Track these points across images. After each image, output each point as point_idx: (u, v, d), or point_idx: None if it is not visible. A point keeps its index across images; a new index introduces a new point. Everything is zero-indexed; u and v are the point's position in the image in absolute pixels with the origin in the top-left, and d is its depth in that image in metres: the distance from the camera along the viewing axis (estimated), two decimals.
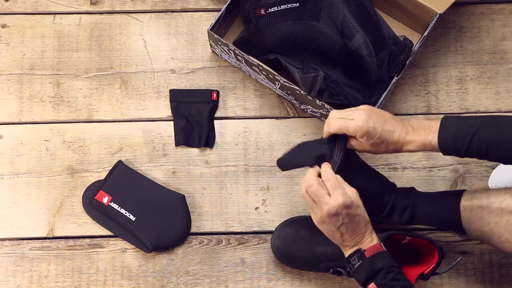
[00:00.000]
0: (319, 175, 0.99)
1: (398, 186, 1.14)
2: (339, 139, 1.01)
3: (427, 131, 0.98)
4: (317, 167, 1.00)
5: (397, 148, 1.00)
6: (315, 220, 0.99)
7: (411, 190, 1.13)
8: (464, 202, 1.02)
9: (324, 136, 1.03)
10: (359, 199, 0.97)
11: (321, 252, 1.12)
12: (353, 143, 1.01)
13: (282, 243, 1.15)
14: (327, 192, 0.96)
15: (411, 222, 1.11)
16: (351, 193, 0.97)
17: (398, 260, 1.07)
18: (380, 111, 1.01)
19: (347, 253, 0.99)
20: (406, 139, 0.98)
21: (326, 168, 0.98)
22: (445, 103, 1.29)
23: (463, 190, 1.05)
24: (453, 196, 1.05)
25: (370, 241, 0.97)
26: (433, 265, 1.03)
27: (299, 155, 1.03)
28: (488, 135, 0.94)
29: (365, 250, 0.96)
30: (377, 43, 1.17)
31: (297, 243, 1.14)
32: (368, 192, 1.06)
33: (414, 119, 1.02)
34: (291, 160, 1.05)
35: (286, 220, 1.19)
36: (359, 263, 0.96)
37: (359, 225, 0.97)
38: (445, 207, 1.05)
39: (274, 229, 1.18)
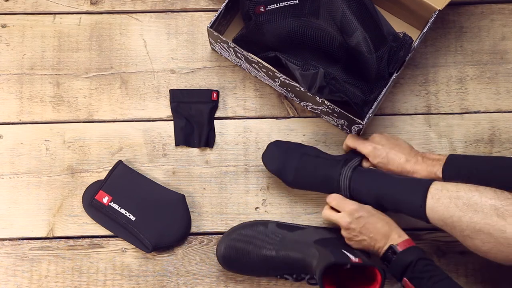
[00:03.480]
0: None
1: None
2: (351, 159, 1.15)
3: (435, 162, 1.09)
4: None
5: (403, 173, 1.11)
6: (346, 239, 1.10)
7: (374, 170, 1.13)
8: (433, 190, 1.02)
9: (344, 148, 1.20)
10: (362, 206, 1.09)
11: (267, 259, 1.12)
12: (366, 164, 1.16)
13: (227, 252, 1.14)
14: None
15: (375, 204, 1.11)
16: (351, 203, 1.09)
17: (343, 280, 1.09)
18: (397, 139, 1.15)
19: (381, 253, 1.06)
20: (414, 168, 1.10)
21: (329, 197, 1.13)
22: (445, 103, 1.29)
23: (433, 180, 1.05)
24: (422, 183, 1.05)
25: (398, 236, 1.05)
26: (377, 287, 1.04)
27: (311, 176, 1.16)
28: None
29: (397, 245, 1.03)
30: (376, 40, 1.17)
31: (243, 251, 1.13)
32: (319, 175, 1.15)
33: (429, 152, 1.18)
34: (304, 181, 1.17)
35: (231, 228, 1.17)
36: (392, 259, 1.03)
37: (378, 224, 1.06)
38: (412, 191, 1.05)
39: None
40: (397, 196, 1.07)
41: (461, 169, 1.07)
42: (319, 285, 1.02)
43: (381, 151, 1.12)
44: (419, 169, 1.10)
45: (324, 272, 1.02)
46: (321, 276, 1.02)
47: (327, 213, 1.11)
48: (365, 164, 1.16)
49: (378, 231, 1.06)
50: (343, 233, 1.10)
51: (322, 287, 1.02)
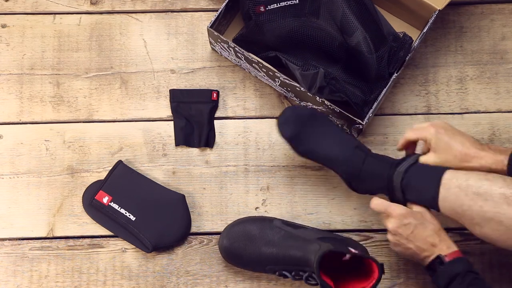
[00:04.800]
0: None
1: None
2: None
3: (503, 152, 1.02)
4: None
5: (466, 159, 1.03)
6: (392, 245, 1.07)
7: (387, 159, 1.10)
8: (445, 180, 1.01)
9: (401, 143, 1.11)
10: (412, 212, 1.04)
11: (267, 254, 1.12)
12: (424, 158, 1.07)
13: (229, 243, 1.15)
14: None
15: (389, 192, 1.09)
16: (399, 208, 1.05)
17: (340, 276, 1.09)
18: (459, 130, 1.07)
19: (426, 262, 1.03)
20: (479, 154, 1.03)
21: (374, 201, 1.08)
22: (445, 103, 1.29)
23: (446, 168, 1.03)
24: (435, 172, 1.03)
25: (447, 247, 1.02)
26: (373, 282, 1.03)
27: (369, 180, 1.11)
28: None
29: (445, 256, 1.01)
30: (376, 40, 1.17)
31: (244, 243, 1.14)
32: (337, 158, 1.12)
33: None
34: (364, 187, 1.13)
35: (236, 220, 1.19)
36: (439, 269, 1.01)
37: (426, 233, 1.02)
38: (425, 181, 1.03)
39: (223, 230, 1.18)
40: (414, 183, 1.04)
41: None
42: (315, 270, 1.02)
43: (443, 135, 1.05)
44: (485, 155, 1.03)
45: (322, 259, 1.02)
46: (318, 261, 1.02)
47: (377, 202, 1.07)
48: (426, 157, 1.08)
49: (426, 240, 1.03)
50: (390, 238, 1.06)
51: (318, 273, 1.02)
